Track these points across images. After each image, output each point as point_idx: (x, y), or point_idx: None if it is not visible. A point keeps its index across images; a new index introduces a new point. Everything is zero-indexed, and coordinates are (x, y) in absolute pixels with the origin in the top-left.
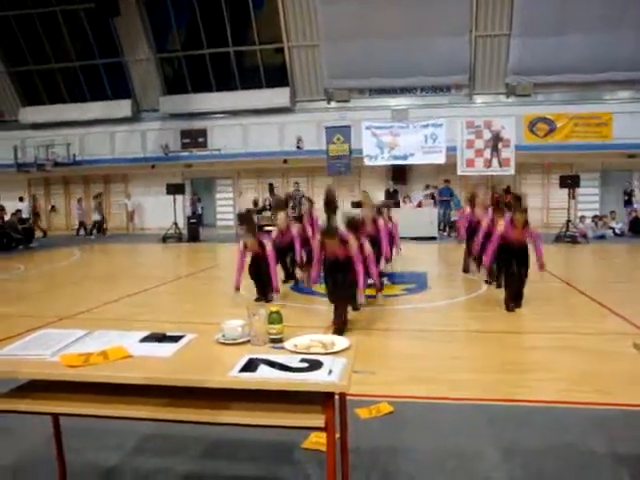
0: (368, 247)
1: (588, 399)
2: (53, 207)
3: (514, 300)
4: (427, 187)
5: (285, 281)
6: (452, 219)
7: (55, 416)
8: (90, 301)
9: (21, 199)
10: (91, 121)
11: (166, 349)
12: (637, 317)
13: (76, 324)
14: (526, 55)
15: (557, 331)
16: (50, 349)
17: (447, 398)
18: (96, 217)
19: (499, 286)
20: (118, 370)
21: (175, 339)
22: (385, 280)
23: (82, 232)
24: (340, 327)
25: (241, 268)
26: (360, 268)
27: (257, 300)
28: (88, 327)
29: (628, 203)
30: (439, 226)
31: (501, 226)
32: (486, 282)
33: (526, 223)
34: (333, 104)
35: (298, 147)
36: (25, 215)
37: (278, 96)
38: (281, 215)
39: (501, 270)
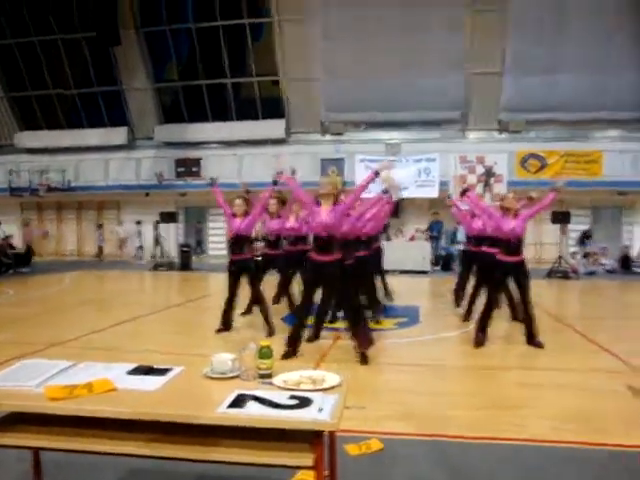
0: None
1: (578, 438)
2: (46, 232)
3: (530, 337)
4: (417, 231)
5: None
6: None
7: (35, 450)
8: (79, 328)
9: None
10: (87, 148)
11: (152, 382)
12: (628, 355)
13: (64, 352)
14: (518, 92)
15: (549, 367)
16: (34, 380)
17: (437, 435)
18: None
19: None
20: (102, 403)
21: (162, 372)
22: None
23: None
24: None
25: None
26: None
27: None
28: (76, 356)
29: (582, 243)
30: (433, 261)
31: (495, 211)
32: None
33: (517, 212)
34: (328, 136)
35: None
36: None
37: (273, 127)
38: (272, 202)
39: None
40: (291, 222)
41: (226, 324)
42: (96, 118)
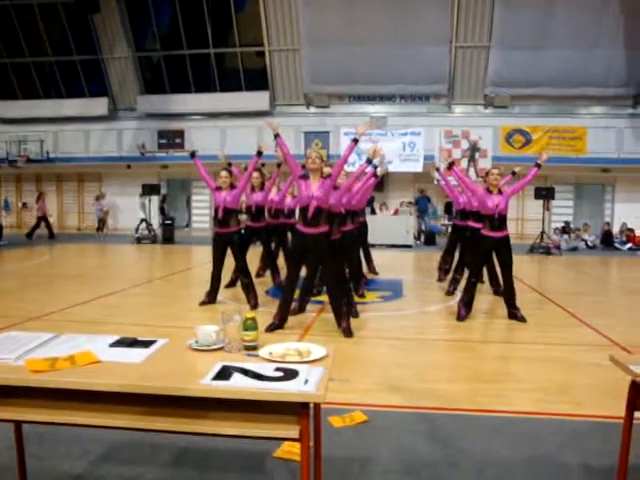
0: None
1: (562, 410)
2: (24, 204)
3: (512, 307)
4: (402, 204)
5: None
6: (431, 228)
7: (17, 423)
8: (60, 302)
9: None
10: (66, 118)
11: (136, 354)
12: (608, 329)
13: (44, 325)
14: (504, 67)
15: (531, 341)
16: (14, 352)
17: (421, 407)
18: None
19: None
20: (85, 376)
21: (146, 344)
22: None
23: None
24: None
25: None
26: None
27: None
28: (57, 329)
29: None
30: (415, 235)
31: (479, 187)
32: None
33: (500, 191)
34: (312, 109)
35: (276, 151)
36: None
37: (257, 99)
38: (255, 174)
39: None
40: (273, 195)
41: (210, 297)
42: (75, 88)
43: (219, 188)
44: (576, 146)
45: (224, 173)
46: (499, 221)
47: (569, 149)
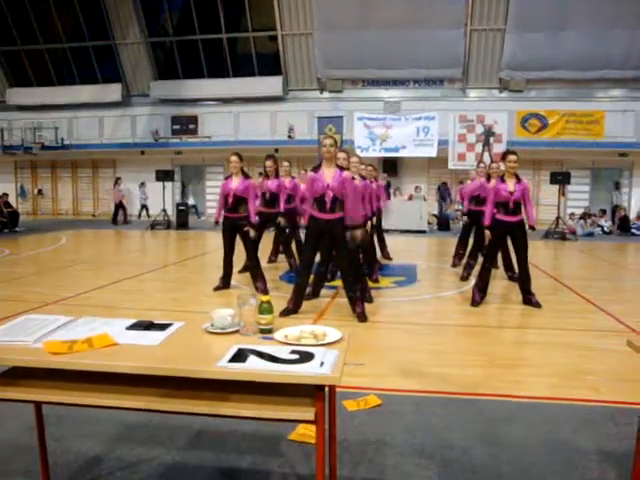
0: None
1: (578, 395)
2: (40, 191)
3: (527, 293)
4: (416, 189)
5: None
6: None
7: (37, 404)
8: (76, 287)
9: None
10: (80, 105)
11: (153, 337)
12: (624, 315)
13: (61, 310)
14: (520, 50)
15: (546, 327)
16: (33, 335)
17: (436, 392)
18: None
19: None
20: (103, 358)
21: (162, 327)
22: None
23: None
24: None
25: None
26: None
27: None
28: (74, 313)
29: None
30: (430, 221)
31: (493, 182)
32: (462, 279)
33: (517, 177)
34: (326, 94)
35: (289, 136)
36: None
37: (270, 84)
38: (268, 163)
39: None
40: (287, 182)
41: (224, 282)
42: (89, 74)
43: (229, 177)
44: (593, 130)
45: (234, 158)
46: (514, 206)
47: (586, 133)
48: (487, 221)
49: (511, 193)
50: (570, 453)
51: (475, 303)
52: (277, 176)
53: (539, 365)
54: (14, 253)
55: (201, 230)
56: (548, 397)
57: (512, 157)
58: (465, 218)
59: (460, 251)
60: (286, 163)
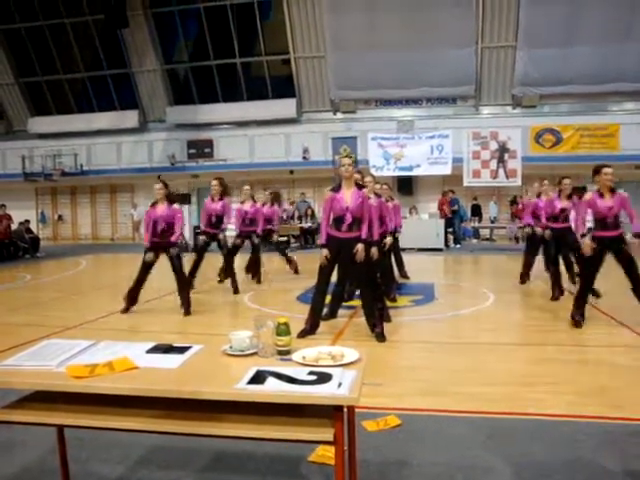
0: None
1: (599, 413)
2: (60, 217)
3: None
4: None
5: None
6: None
7: (59, 427)
8: (96, 311)
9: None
10: (98, 131)
11: (172, 360)
12: None
13: (82, 334)
14: (532, 66)
15: (565, 343)
16: (56, 359)
17: (456, 411)
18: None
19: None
20: (124, 381)
21: (181, 350)
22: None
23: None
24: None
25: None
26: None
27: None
28: (94, 337)
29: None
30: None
31: (588, 195)
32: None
33: (613, 190)
34: (339, 115)
35: (304, 158)
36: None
37: (284, 107)
38: (245, 187)
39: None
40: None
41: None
42: (106, 101)
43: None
44: (609, 143)
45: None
46: (613, 221)
47: (601, 147)
48: (580, 228)
49: (610, 208)
50: (593, 473)
51: (577, 324)
52: (221, 197)
53: (559, 382)
54: (35, 278)
55: (216, 253)
56: (569, 415)
57: (608, 170)
58: (547, 232)
59: (528, 270)
60: (247, 187)
